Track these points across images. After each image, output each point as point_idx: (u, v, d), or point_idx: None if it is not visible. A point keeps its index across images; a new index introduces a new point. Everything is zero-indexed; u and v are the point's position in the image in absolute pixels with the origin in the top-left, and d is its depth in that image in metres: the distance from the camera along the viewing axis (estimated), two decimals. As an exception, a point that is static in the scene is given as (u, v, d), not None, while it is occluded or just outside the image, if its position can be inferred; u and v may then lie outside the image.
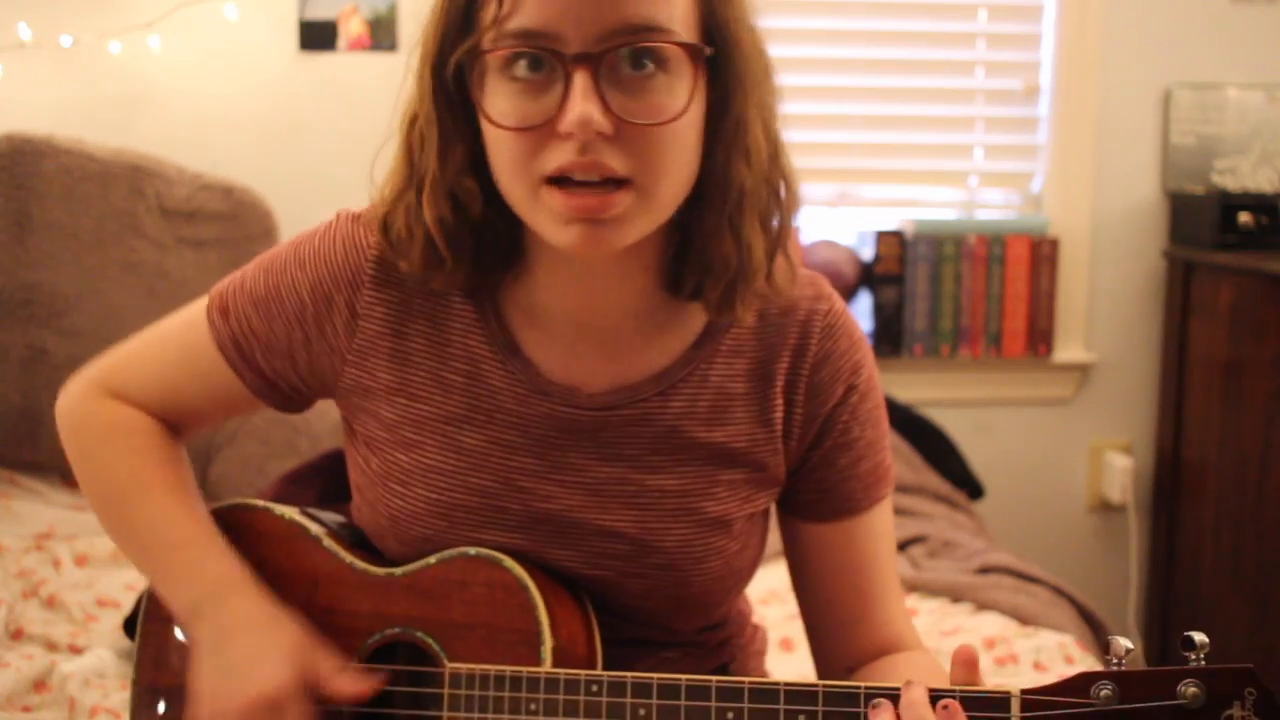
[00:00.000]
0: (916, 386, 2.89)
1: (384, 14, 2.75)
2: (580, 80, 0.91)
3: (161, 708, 1.16)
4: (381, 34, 2.75)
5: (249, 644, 1.04)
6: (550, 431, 1.07)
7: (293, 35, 2.74)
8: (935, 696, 0.91)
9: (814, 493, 1.13)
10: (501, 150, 0.97)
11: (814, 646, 1.20)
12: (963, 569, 2.19)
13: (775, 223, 1.03)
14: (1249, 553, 2.64)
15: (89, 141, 2.42)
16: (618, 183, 0.94)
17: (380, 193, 1.06)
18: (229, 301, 1.12)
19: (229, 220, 2.47)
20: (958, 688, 0.91)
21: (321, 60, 2.76)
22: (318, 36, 2.75)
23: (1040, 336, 2.93)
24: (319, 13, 2.74)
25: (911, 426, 2.71)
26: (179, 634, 1.13)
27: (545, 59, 0.93)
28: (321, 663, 1.05)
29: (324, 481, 1.85)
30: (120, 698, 1.61)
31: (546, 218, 0.96)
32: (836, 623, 1.16)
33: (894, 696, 0.92)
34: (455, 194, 1.00)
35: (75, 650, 1.78)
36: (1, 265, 2.32)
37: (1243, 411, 2.66)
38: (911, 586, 2.13)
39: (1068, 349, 2.98)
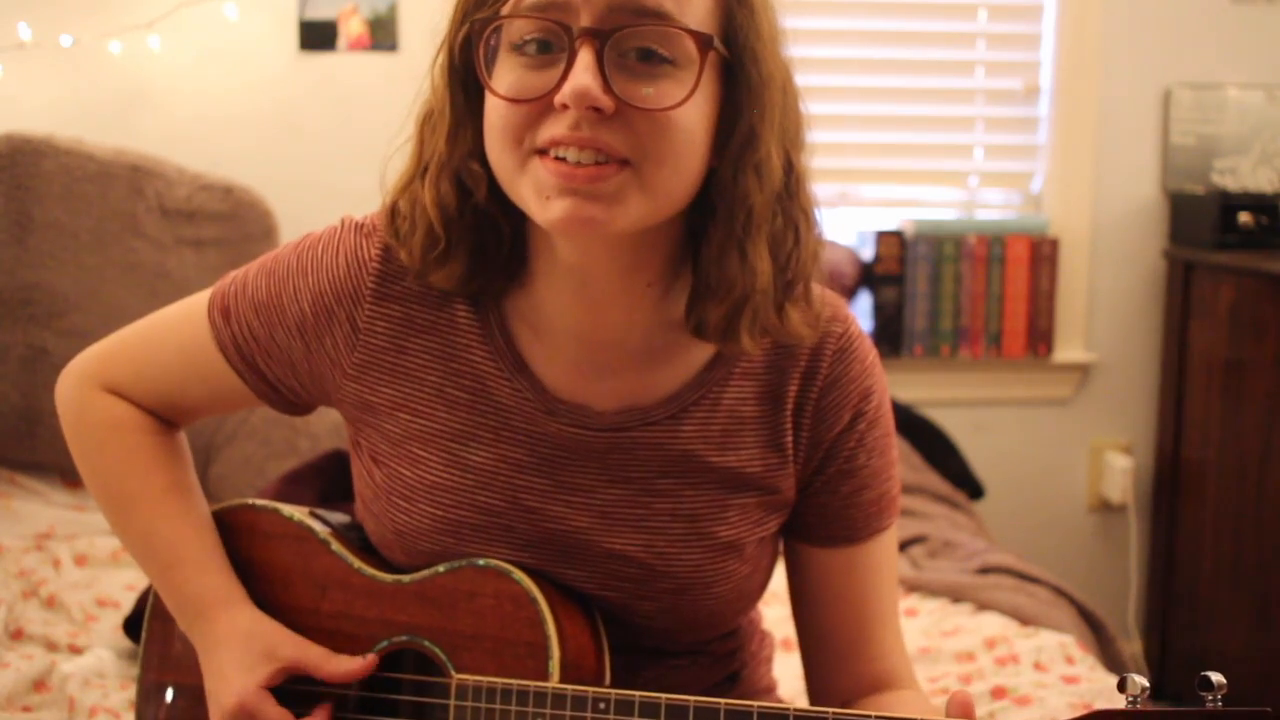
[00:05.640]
0: (916, 386, 2.89)
1: (384, 14, 2.75)
2: (584, 55, 0.89)
3: (166, 703, 1.16)
4: (381, 34, 2.75)
5: (225, 659, 1.08)
6: (558, 451, 1.05)
7: (293, 35, 2.74)
8: None
9: (815, 517, 1.11)
10: (495, 120, 0.94)
11: (809, 679, 1.17)
12: (963, 569, 2.19)
13: (789, 258, 0.99)
14: (1249, 553, 2.64)
15: (89, 141, 2.42)
16: (614, 162, 0.91)
17: (389, 192, 1.04)
18: (230, 303, 1.10)
19: (229, 220, 2.47)
20: None
21: (321, 60, 2.76)
22: (318, 36, 2.74)
23: (1040, 336, 2.93)
24: (319, 13, 2.74)
25: (911, 426, 2.70)
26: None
27: (555, 40, 0.91)
28: (307, 652, 1.07)
29: (324, 482, 1.85)
30: (120, 697, 1.61)
31: (532, 190, 0.93)
32: (832, 653, 1.14)
33: None
34: (460, 176, 0.98)
35: (75, 650, 1.78)
36: (1, 265, 2.32)
37: (1243, 411, 2.66)
38: (912, 586, 2.13)
39: (1068, 349, 2.98)
